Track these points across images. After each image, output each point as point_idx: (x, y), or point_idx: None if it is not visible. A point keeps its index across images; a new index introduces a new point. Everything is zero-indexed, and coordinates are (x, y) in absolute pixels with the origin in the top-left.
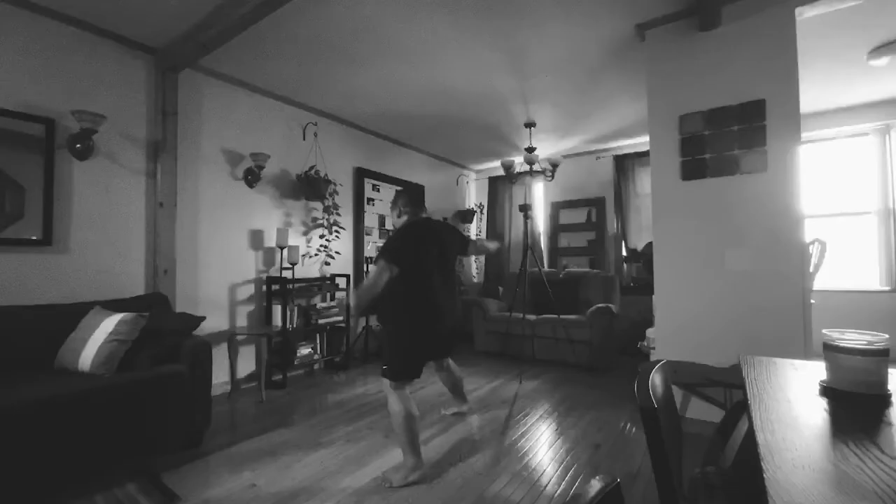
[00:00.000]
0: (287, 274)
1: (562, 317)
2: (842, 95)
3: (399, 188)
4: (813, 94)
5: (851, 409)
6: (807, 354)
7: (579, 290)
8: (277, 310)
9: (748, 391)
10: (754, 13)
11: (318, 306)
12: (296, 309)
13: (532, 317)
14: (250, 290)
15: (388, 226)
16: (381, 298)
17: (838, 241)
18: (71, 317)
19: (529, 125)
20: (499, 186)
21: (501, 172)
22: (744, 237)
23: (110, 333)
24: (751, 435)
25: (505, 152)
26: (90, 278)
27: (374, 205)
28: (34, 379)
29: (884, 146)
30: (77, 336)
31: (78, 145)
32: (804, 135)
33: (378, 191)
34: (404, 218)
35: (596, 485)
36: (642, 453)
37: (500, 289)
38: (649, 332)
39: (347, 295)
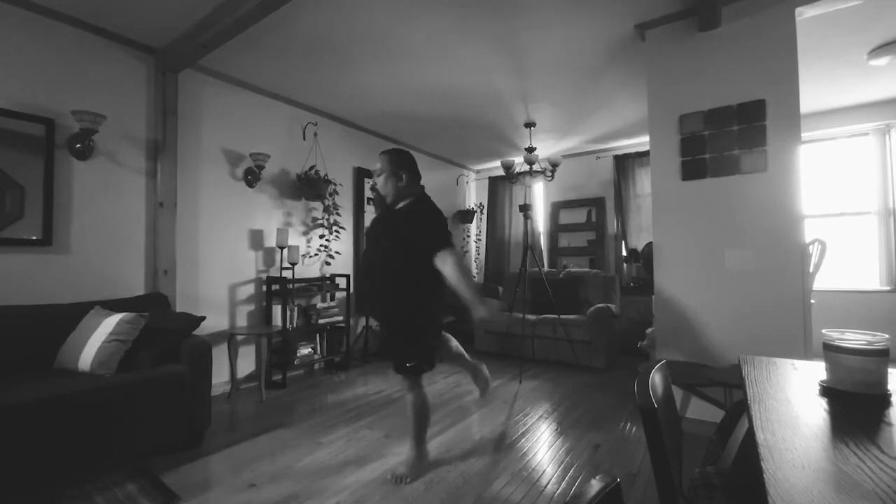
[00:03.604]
0: (287, 274)
1: (562, 317)
2: (842, 95)
3: (395, 148)
4: (813, 94)
5: (851, 409)
6: (807, 354)
7: (579, 290)
8: (277, 310)
9: (748, 391)
10: (754, 13)
11: (317, 306)
12: (296, 309)
13: (532, 317)
14: (250, 290)
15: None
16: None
17: (838, 241)
18: (71, 317)
19: (529, 125)
20: (499, 186)
21: (501, 172)
22: (744, 237)
23: (110, 333)
24: (751, 435)
25: (505, 152)
26: (90, 278)
27: (373, 205)
28: (34, 379)
29: (884, 146)
30: (77, 336)
31: (78, 145)
32: (804, 135)
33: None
34: (407, 190)
35: (596, 485)
36: (642, 453)
37: (500, 289)
38: (649, 332)
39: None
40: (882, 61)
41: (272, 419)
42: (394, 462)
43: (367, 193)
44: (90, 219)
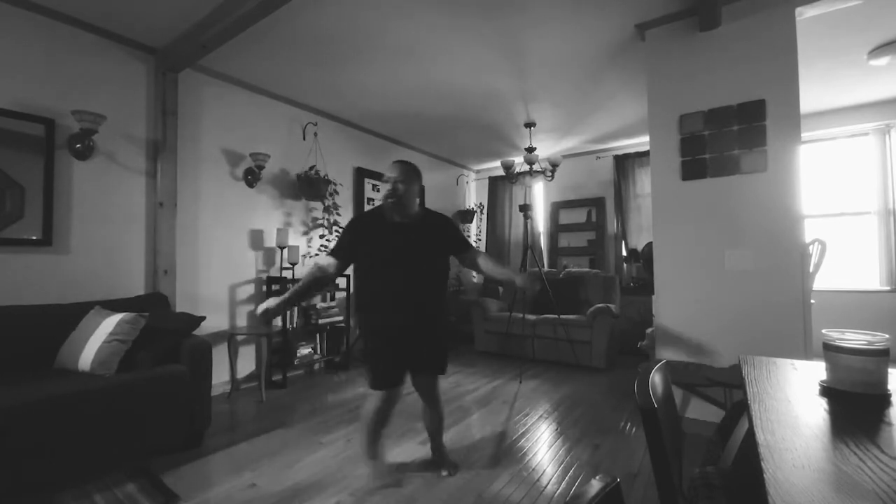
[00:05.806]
0: (287, 274)
1: (562, 317)
2: (842, 95)
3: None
4: (813, 94)
5: (851, 409)
6: (807, 354)
7: (579, 290)
8: None
9: (748, 391)
10: (754, 13)
11: (318, 306)
12: (296, 309)
13: (532, 317)
14: (250, 290)
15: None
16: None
17: (838, 241)
18: (71, 317)
19: (529, 125)
20: (499, 186)
21: (501, 172)
22: (744, 237)
23: (110, 333)
24: (751, 435)
25: (505, 152)
26: (90, 278)
27: (373, 205)
28: (34, 379)
29: (884, 146)
30: (77, 336)
31: (78, 145)
32: (804, 135)
33: (378, 191)
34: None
35: (596, 485)
36: (642, 453)
37: (500, 289)
38: (649, 332)
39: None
40: (882, 61)
41: (272, 419)
42: (393, 461)
43: (368, 194)
44: (90, 219)
